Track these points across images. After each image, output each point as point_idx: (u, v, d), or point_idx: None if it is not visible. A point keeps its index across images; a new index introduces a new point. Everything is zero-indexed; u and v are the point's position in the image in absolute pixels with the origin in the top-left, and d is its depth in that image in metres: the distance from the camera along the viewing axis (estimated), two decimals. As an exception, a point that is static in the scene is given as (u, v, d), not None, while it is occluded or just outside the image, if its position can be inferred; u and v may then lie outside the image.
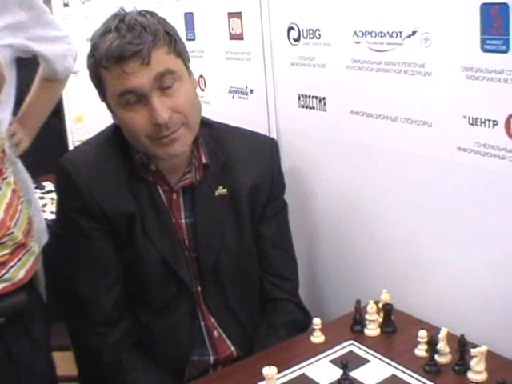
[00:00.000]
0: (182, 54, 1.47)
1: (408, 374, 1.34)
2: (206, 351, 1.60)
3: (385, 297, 1.53)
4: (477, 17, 1.32)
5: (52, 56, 1.93)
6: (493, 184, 1.38)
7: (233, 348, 1.62)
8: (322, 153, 1.81)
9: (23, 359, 1.37)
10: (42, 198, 2.60)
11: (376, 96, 1.60)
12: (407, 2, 1.47)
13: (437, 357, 1.35)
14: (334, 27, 1.67)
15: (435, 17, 1.41)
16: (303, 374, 1.37)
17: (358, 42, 1.60)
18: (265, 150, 1.68)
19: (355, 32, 1.60)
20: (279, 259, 1.68)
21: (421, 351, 1.39)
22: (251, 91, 2.02)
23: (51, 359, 1.52)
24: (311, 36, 1.74)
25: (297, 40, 1.80)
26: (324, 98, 1.75)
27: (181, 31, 2.16)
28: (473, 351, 1.29)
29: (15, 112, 1.94)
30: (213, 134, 1.61)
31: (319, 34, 1.72)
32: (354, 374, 1.34)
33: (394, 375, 1.34)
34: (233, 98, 2.10)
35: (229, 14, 2.02)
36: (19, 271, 1.35)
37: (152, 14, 1.46)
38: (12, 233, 1.33)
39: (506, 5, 1.26)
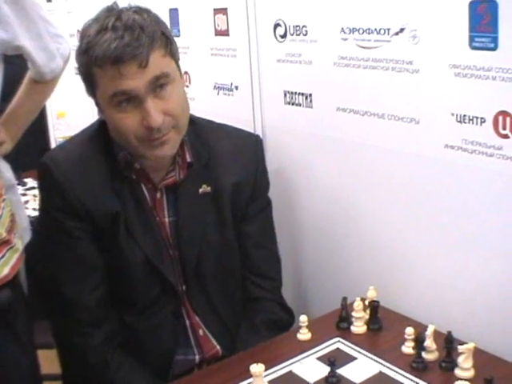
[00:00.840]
0: (175, 55, 1.46)
1: (395, 371, 1.34)
2: (191, 350, 1.59)
3: (371, 294, 1.53)
4: (465, 14, 1.32)
5: (37, 54, 1.84)
6: (480, 181, 1.39)
7: (218, 347, 1.61)
8: (308, 150, 1.80)
9: (8, 355, 1.36)
10: (24, 194, 2.56)
11: (363, 93, 1.60)
12: (395, -1, 1.47)
13: (424, 354, 1.35)
14: (321, 24, 1.66)
15: (423, 14, 1.41)
16: (290, 371, 1.37)
17: (346, 39, 1.60)
18: (248, 146, 1.66)
19: (342, 29, 1.60)
20: (262, 258, 1.67)
21: (408, 348, 1.39)
22: (236, 88, 2.01)
23: (36, 356, 1.51)
24: (298, 33, 1.74)
25: (283, 37, 1.79)
26: (310, 95, 1.75)
27: (165, 27, 2.17)
28: (460, 348, 1.29)
29: (2, 108, 1.91)
30: (197, 131, 1.59)
31: (306, 31, 1.71)
32: (341, 371, 1.33)
33: (381, 372, 1.34)
34: (218, 94, 2.09)
35: (214, 10, 2.01)
36: (3, 268, 1.33)
37: (147, 11, 1.44)
38: None
39: (494, 2, 1.27)
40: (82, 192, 1.47)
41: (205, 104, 2.13)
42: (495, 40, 1.28)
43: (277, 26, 1.80)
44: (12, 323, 1.38)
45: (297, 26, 1.73)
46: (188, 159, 1.54)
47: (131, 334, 1.55)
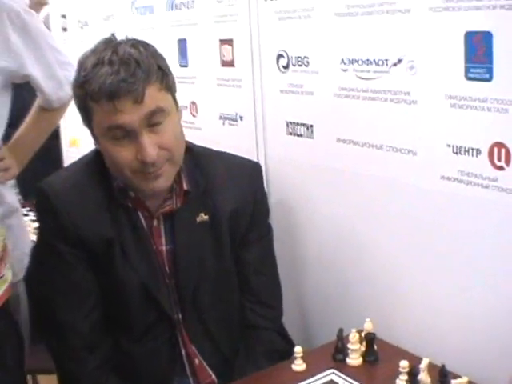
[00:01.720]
0: (171, 88, 1.46)
1: (388, 405, 1.32)
2: (186, 380, 1.58)
3: (368, 326, 1.51)
4: (461, 45, 1.32)
5: (45, 82, 1.88)
6: (476, 213, 1.38)
7: (214, 376, 1.59)
8: (309, 180, 1.80)
9: None
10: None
11: (362, 124, 1.60)
12: (393, 31, 1.47)
13: (418, 387, 1.33)
14: (321, 55, 1.67)
15: (420, 45, 1.42)
16: (283, 402, 1.36)
17: (345, 70, 1.61)
18: (246, 173, 1.66)
19: (342, 59, 1.61)
20: (261, 285, 1.66)
21: (402, 381, 1.37)
22: (241, 118, 2.02)
23: (24, 382, 1.50)
24: (300, 63, 1.75)
25: (286, 67, 1.80)
26: (311, 126, 1.75)
27: (174, 57, 2.20)
28: (454, 382, 1.27)
29: (9, 135, 1.93)
30: (194, 158, 1.59)
31: (307, 62, 1.72)
32: (333, 403, 1.32)
33: (374, 405, 1.32)
34: (223, 124, 2.10)
35: (220, 40, 2.03)
36: None
37: (144, 44, 1.44)
38: None
39: (489, 33, 1.27)
40: (78, 217, 1.48)
41: (211, 134, 2.14)
42: (490, 71, 1.28)
43: (280, 56, 1.81)
44: None
45: (299, 57, 1.74)
46: (185, 187, 1.54)
47: (127, 360, 1.55)
